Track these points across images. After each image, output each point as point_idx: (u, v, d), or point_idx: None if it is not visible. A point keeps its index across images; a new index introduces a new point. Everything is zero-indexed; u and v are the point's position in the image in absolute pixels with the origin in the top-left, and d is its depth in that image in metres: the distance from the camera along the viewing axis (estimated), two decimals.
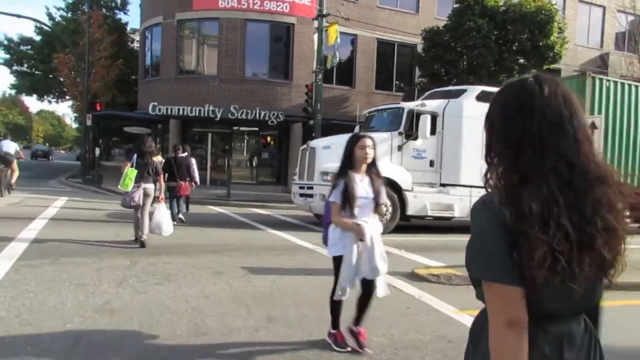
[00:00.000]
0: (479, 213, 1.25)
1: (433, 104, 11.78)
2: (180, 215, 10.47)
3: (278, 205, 16.84)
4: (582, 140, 1.20)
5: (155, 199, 8.05)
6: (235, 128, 22.49)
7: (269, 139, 23.85)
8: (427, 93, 13.56)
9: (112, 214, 11.49)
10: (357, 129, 13.79)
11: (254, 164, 23.10)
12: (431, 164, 11.70)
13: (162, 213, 7.86)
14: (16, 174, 13.89)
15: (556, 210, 1.13)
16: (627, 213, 1.24)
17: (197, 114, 19.88)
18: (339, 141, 12.67)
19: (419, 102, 12.09)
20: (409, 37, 22.74)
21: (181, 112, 19.97)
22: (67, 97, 34.98)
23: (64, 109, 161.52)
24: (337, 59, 18.38)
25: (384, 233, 11.84)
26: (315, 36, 18.50)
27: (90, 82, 24.19)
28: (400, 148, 11.43)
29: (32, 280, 5.20)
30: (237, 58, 21.22)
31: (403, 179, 11.26)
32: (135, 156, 7.74)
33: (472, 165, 10.98)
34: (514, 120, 1.22)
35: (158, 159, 9.97)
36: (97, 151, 23.82)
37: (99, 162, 24.20)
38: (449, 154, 11.72)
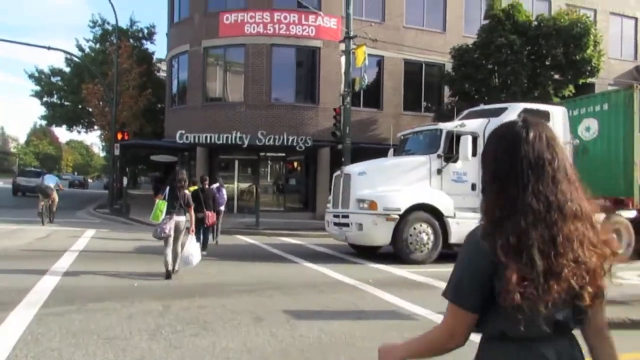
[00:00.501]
0: (471, 242, 1.39)
1: (473, 124, 11.14)
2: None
3: (308, 233, 16.29)
4: (560, 180, 1.32)
5: (187, 231, 8.05)
6: (262, 154, 22.19)
7: (295, 164, 23.48)
8: (465, 113, 12.95)
9: (140, 248, 11.10)
10: (391, 153, 13.24)
11: (280, 190, 22.71)
12: (473, 187, 10.98)
13: (193, 244, 7.87)
14: (56, 202, 16.42)
15: (529, 242, 1.26)
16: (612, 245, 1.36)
17: (224, 141, 19.63)
18: (375, 167, 12.18)
19: (457, 122, 11.49)
20: (436, 57, 22.25)
21: (208, 140, 19.75)
22: (96, 127, 35.45)
23: (92, 139, 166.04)
24: (366, 81, 17.96)
25: (425, 263, 10.91)
26: (343, 59, 18.15)
27: (118, 111, 24.33)
28: (439, 172, 10.81)
29: (57, 333, 4.71)
30: (263, 83, 21.04)
31: (444, 204, 10.61)
32: (167, 189, 7.93)
33: None
34: (503, 160, 1.35)
35: (192, 189, 10.20)
36: (125, 181, 23.76)
37: (126, 192, 24.14)
38: None
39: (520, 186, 1.30)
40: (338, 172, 11.78)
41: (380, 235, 10.29)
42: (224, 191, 13.03)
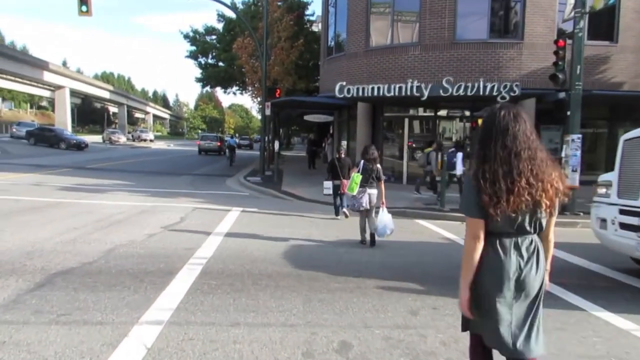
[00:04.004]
0: (468, 178, 2.37)
1: None
2: (345, 210, 11.18)
3: None
4: (519, 137, 2.26)
5: (378, 203, 8.27)
6: (439, 111, 17.32)
7: (479, 122, 18.09)
8: None
9: (294, 252, 7.39)
10: None
11: (463, 155, 17.69)
12: None
13: (385, 215, 7.95)
14: (235, 154, 29.51)
15: (497, 175, 2.23)
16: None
17: (395, 93, 15.19)
18: None
19: None
20: None
21: (375, 92, 15.48)
22: (249, 89, 34.08)
23: (251, 102, 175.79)
24: None
25: None
26: None
27: (269, 66, 21.50)
28: None
29: None
30: (444, 16, 15.92)
31: None
32: (362, 163, 8.34)
33: None
34: (485, 129, 2.34)
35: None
36: (277, 144, 20.96)
37: (279, 155, 21.43)
38: None
39: (493, 142, 2.27)
40: (633, 135, 6.54)
41: None
42: (460, 155, 12.95)
